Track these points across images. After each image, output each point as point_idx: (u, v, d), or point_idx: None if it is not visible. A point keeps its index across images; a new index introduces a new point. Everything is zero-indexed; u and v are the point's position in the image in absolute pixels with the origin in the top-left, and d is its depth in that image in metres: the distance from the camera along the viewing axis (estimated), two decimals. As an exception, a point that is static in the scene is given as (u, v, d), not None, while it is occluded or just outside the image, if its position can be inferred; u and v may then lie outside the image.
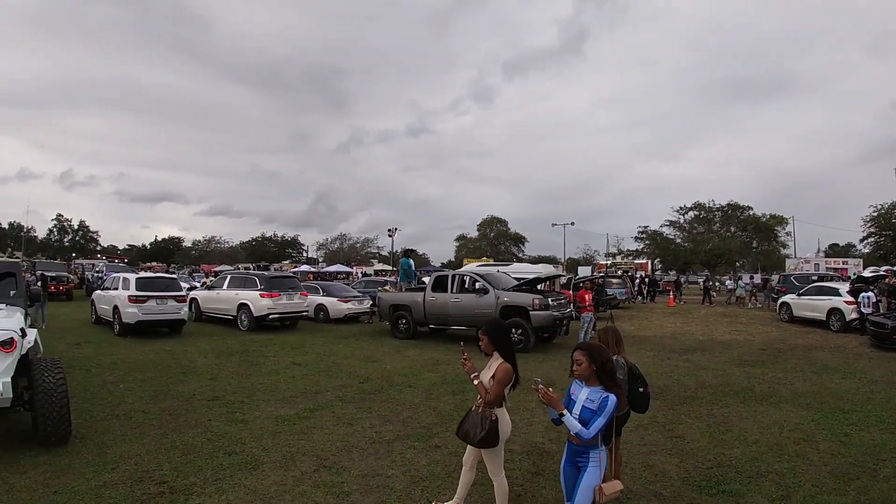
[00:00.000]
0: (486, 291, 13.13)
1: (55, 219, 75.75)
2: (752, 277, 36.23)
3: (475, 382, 3.66)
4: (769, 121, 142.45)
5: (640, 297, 32.08)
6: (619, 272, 38.05)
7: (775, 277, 33.16)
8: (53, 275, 25.06)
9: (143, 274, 16.63)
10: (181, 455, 5.48)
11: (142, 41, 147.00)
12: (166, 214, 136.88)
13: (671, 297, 31.05)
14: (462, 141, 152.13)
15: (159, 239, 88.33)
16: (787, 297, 20.69)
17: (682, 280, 38.84)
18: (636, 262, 50.04)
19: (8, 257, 33.21)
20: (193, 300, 18.53)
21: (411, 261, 17.24)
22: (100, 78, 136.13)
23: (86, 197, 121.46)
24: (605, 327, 4.68)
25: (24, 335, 5.54)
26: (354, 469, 5.13)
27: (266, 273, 19.35)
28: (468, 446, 3.82)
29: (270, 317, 16.06)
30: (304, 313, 17.44)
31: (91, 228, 77.96)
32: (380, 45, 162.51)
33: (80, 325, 15.86)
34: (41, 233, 75.61)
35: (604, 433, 3.10)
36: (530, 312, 12.25)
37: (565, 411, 3.05)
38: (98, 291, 16.65)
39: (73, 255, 62.00)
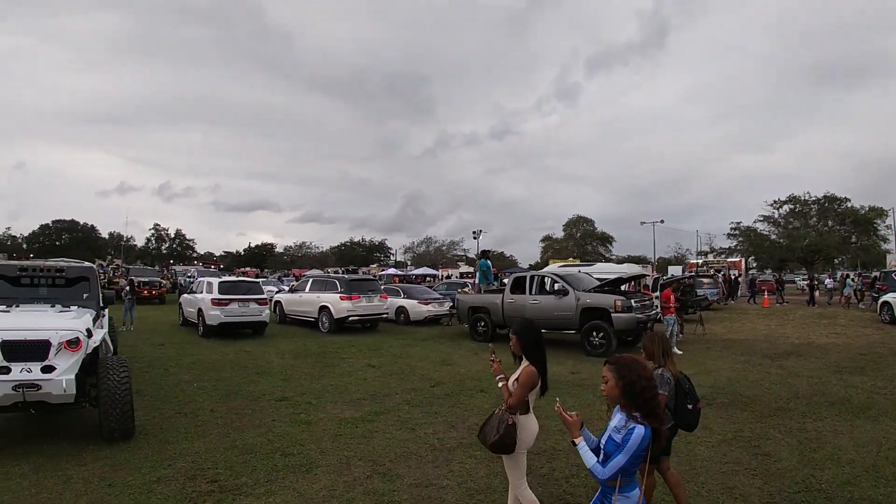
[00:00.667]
0: (565, 293, 13.10)
1: (152, 228, 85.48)
2: (859, 275, 34.31)
3: (500, 385, 3.61)
4: (865, 106, 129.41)
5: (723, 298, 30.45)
6: (712, 271, 36.53)
7: (875, 274, 31.05)
8: (146, 280, 27.68)
9: (225, 278, 17.80)
10: (238, 454, 5.68)
11: (229, 59, 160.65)
12: (260, 222, 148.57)
13: (766, 297, 29.85)
14: (547, 141, 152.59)
15: (253, 245, 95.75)
16: (889, 296, 19.11)
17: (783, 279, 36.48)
18: (729, 260, 48.28)
19: (107, 264, 37.24)
20: (278, 303, 19.67)
21: (489, 262, 17.48)
22: (192, 95, 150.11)
23: (183, 207, 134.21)
24: (651, 333, 4.28)
25: (90, 335, 6.04)
26: (409, 477, 5.04)
27: (346, 276, 20.10)
28: None
29: (350, 319, 16.62)
30: (384, 315, 17.89)
31: (187, 236, 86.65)
32: (460, 50, 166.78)
33: (167, 327, 17.35)
34: (140, 241, 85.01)
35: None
36: (612, 314, 12.17)
37: (579, 438, 2.62)
38: (185, 295, 18.10)
39: (171, 261, 68.56)
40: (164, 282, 29.68)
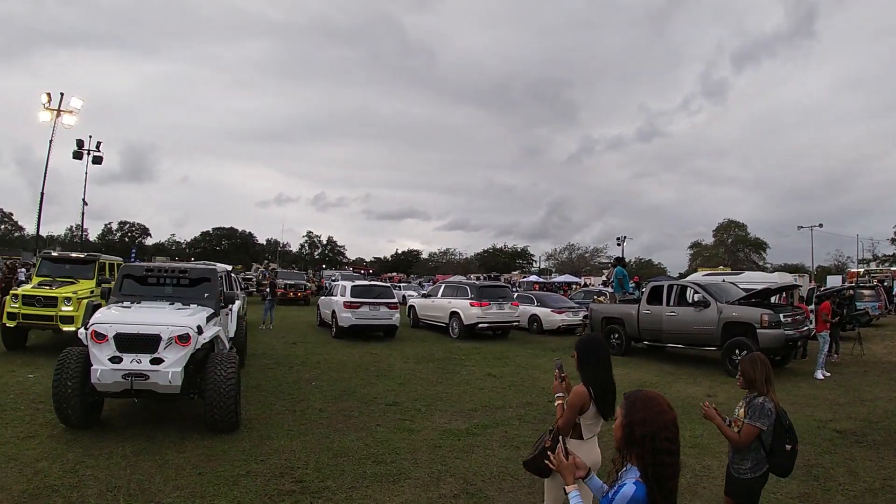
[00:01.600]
0: (706, 305, 12.21)
1: (306, 235, 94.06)
2: None
3: (556, 403, 3.45)
4: None
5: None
6: (874, 281, 31.76)
7: None
8: (292, 282, 30.47)
9: (358, 282, 18.69)
10: (332, 457, 5.77)
11: (375, 76, 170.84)
12: (409, 230, 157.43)
13: None
14: (696, 141, 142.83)
15: (400, 252, 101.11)
16: None
17: None
18: (893, 269, 42.15)
19: (264, 268, 41.31)
20: (412, 307, 20.28)
21: (625, 270, 16.85)
22: (342, 112, 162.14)
23: (336, 216, 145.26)
24: (752, 355, 3.60)
25: (200, 332, 6.55)
26: (499, 501, 4.75)
27: (477, 282, 20.17)
28: None
29: (480, 326, 16.58)
30: (515, 323, 17.60)
31: (338, 243, 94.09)
32: (601, 51, 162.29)
33: (305, 327, 18.64)
34: (295, 247, 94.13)
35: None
36: (757, 330, 11.12)
37: (572, 487, 2.20)
38: (322, 297, 19.33)
39: (323, 266, 74.52)
40: (310, 284, 32.19)
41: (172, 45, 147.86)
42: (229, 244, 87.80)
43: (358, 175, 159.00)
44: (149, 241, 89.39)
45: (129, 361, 5.91)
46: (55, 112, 23.66)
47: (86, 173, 26.10)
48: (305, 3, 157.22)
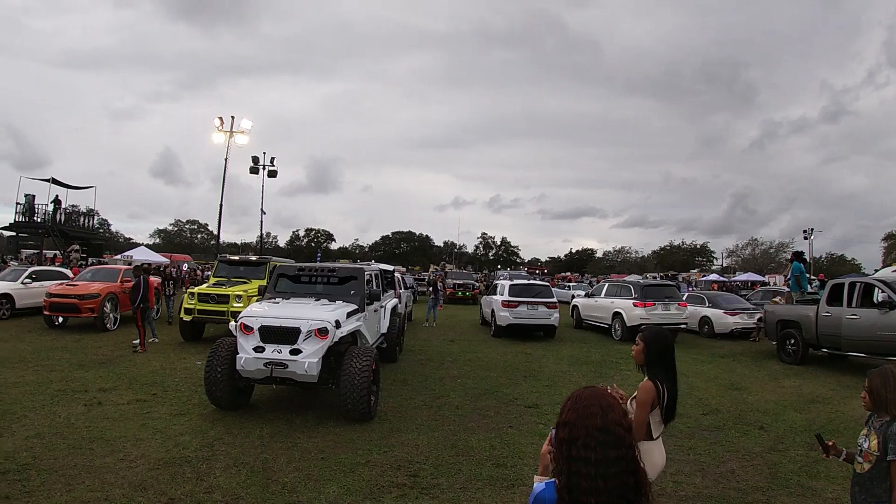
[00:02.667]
0: (892, 306, 10.21)
1: (480, 237, 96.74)
2: None
3: None
4: None
5: None
6: None
7: None
8: (461, 282, 31.70)
9: (517, 281, 18.57)
10: (454, 455, 5.72)
11: (540, 75, 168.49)
12: (585, 228, 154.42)
13: None
14: (887, 118, 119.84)
15: (574, 251, 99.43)
16: None
17: None
18: None
19: (440, 269, 43.19)
20: (574, 307, 19.71)
21: (803, 266, 14.57)
22: (511, 114, 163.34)
23: (511, 217, 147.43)
24: (884, 369, 2.83)
25: (338, 326, 6.92)
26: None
27: (642, 281, 18.90)
28: None
29: (643, 328, 15.48)
30: (683, 326, 16.15)
31: (512, 243, 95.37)
32: (773, 27, 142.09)
33: (467, 325, 18.97)
34: (470, 248, 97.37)
35: None
36: None
37: (540, 478, 1.96)
38: (485, 296, 19.53)
39: (499, 266, 76.05)
40: (477, 284, 32.91)
41: (344, 65, 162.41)
42: (408, 247, 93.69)
43: (531, 175, 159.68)
44: (333, 246, 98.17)
45: (271, 351, 6.45)
46: (228, 133, 27.18)
47: (262, 186, 29.70)
48: (464, 12, 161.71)
